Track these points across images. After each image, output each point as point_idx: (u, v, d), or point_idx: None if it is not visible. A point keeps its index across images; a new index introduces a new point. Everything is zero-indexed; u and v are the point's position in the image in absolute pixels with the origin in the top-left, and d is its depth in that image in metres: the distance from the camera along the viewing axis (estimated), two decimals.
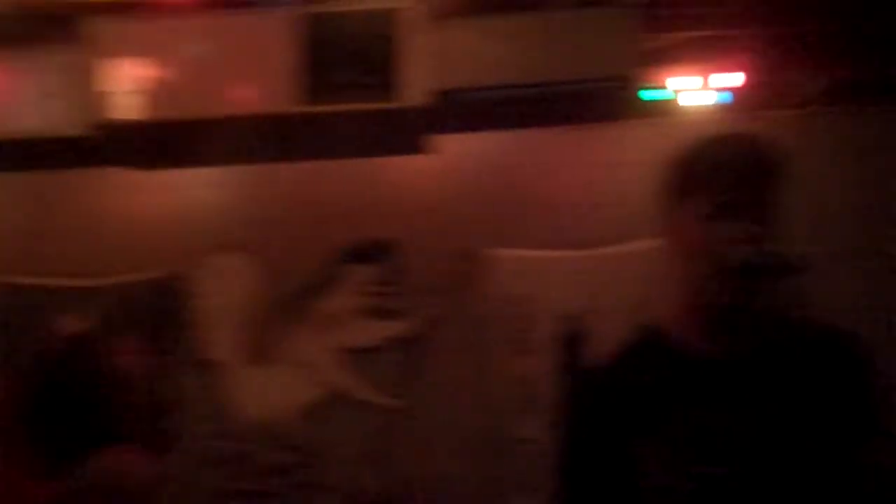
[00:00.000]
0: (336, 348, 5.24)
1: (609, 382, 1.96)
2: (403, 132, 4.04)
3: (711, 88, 4.55)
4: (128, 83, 3.81)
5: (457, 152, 4.78)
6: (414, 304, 5.22)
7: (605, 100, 4.16)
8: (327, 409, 5.18)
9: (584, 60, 3.92)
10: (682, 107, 4.66)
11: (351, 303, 5.24)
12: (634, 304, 5.02)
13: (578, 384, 2.08)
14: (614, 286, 5.13)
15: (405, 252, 5.19)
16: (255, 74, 3.63)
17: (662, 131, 4.89)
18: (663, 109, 4.67)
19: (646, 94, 4.59)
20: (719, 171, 1.84)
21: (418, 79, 3.77)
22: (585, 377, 2.14)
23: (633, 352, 1.99)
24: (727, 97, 4.53)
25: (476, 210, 5.13)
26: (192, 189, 5.15)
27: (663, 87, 4.62)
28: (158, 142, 3.99)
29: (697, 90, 4.58)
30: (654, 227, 1.93)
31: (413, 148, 4.26)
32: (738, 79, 4.41)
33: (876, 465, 1.88)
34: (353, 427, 5.14)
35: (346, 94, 3.75)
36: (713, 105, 4.60)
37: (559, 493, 1.96)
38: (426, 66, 3.77)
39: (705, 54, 4.43)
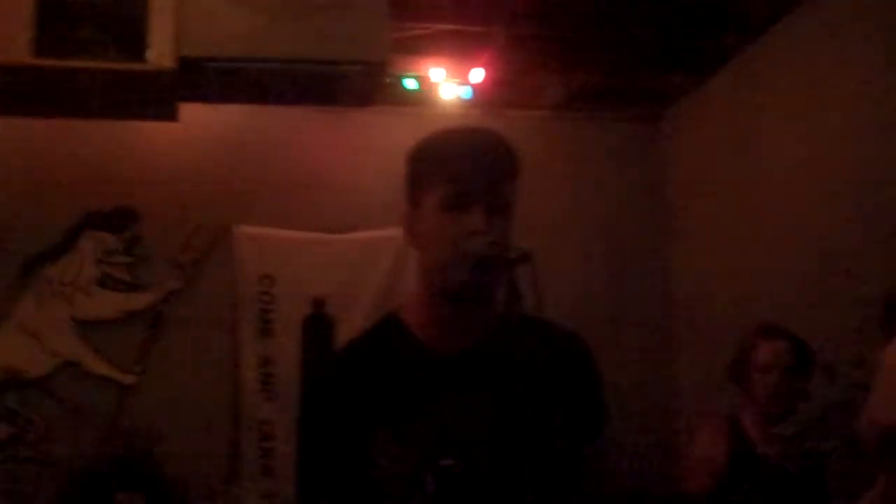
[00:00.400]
0: (69, 318, 5.04)
1: (348, 370, 1.94)
2: (147, 96, 3.91)
3: (457, 82, 4.67)
4: None
5: (203, 123, 4.71)
6: (154, 277, 5.10)
7: (356, 84, 4.17)
8: (55, 380, 4.96)
9: (336, 42, 3.93)
10: (430, 98, 4.77)
11: (87, 272, 5.06)
12: (381, 291, 5.09)
13: (318, 369, 2.06)
14: (361, 272, 5.18)
15: (146, 222, 5.06)
16: None
17: (410, 120, 4.99)
18: (412, 99, 4.76)
19: (396, 83, 4.67)
20: (453, 162, 1.86)
21: (165, 42, 3.66)
22: (326, 362, 2.11)
23: (374, 340, 1.97)
24: (470, 92, 4.64)
25: (223, 184, 5.07)
26: None
27: (413, 77, 4.71)
28: None
29: (444, 83, 4.70)
30: (400, 215, 1.96)
31: (157, 114, 4.14)
32: (480, 75, 4.53)
33: (596, 467, 1.97)
34: (83, 400, 4.95)
35: (86, 51, 3.60)
36: (458, 99, 4.71)
37: (295, 478, 1.93)
38: (174, 29, 3.67)
39: (454, 48, 4.54)
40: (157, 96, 3.94)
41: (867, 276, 3.78)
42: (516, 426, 1.82)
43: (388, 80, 4.51)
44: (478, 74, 4.51)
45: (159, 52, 3.66)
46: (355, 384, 1.89)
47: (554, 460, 1.86)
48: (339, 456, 1.86)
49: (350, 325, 4.91)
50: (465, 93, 4.67)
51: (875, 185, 3.89)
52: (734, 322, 4.70)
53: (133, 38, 3.65)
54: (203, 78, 3.94)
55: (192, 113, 4.43)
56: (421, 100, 4.79)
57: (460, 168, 1.85)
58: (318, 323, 5.15)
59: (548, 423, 1.87)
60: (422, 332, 1.92)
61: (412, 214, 1.91)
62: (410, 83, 4.71)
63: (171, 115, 4.14)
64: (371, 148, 5.06)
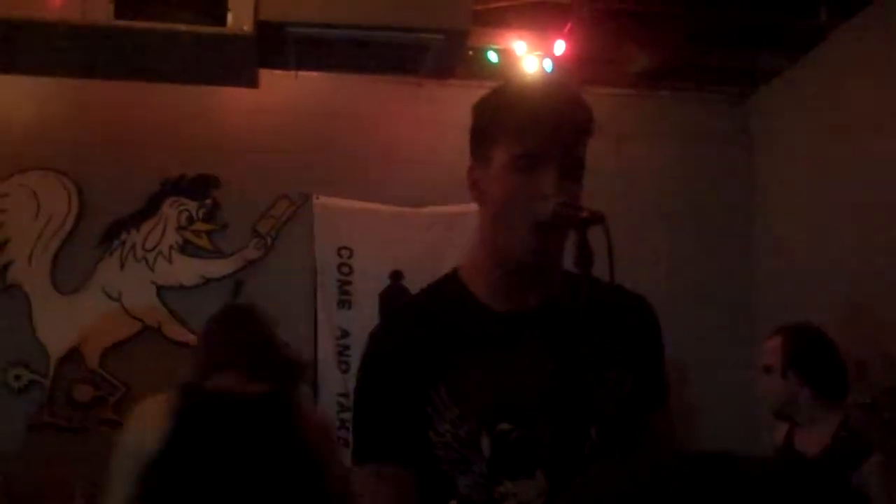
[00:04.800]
0: (150, 283, 5.10)
1: (404, 331, 1.88)
2: (227, 61, 3.93)
3: (539, 56, 4.58)
4: None
5: (284, 90, 4.71)
6: (233, 245, 5.13)
7: (436, 54, 4.13)
8: (136, 344, 5.03)
9: (417, 10, 3.89)
10: (511, 72, 4.68)
11: (168, 238, 5.11)
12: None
13: (376, 330, 1.99)
14: (438, 247, 5.13)
15: (226, 190, 5.09)
16: None
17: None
18: (493, 72, 4.69)
19: (478, 55, 4.61)
20: (525, 118, 1.76)
21: (244, 6, 3.67)
22: (382, 324, 2.03)
23: (432, 301, 1.91)
24: (551, 66, 4.55)
25: (301, 153, 5.07)
26: None
27: (494, 49, 4.64)
28: None
29: (525, 56, 4.61)
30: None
31: (237, 79, 4.16)
32: (562, 47, 4.44)
33: (664, 436, 1.89)
34: (161, 365, 4.99)
35: (166, 14, 3.62)
36: (539, 72, 4.63)
37: (352, 439, 1.88)
38: None
39: (536, 21, 4.46)
40: (236, 61, 3.96)
41: None
42: (578, 391, 1.75)
43: (469, 53, 4.46)
44: (560, 47, 4.41)
45: (238, 17, 3.67)
46: (412, 345, 1.82)
47: (617, 427, 1.79)
48: (396, 416, 1.80)
49: None
50: (547, 66, 4.58)
51: None
52: (818, 305, 4.58)
53: (213, 2, 3.66)
54: (283, 44, 3.94)
55: (273, 80, 4.44)
56: (502, 74, 4.71)
57: (532, 125, 1.74)
58: (395, 296, 5.13)
59: (612, 389, 1.80)
60: (482, 293, 1.85)
61: (479, 170, 1.83)
62: (492, 56, 4.63)
63: (251, 81, 4.16)
64: (450, 122, 4.96)
